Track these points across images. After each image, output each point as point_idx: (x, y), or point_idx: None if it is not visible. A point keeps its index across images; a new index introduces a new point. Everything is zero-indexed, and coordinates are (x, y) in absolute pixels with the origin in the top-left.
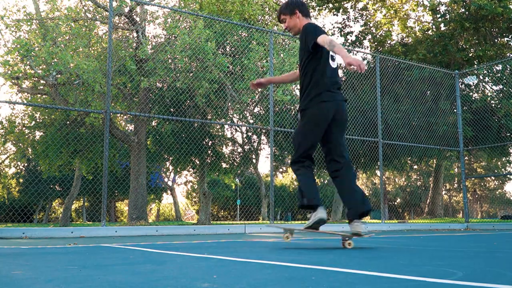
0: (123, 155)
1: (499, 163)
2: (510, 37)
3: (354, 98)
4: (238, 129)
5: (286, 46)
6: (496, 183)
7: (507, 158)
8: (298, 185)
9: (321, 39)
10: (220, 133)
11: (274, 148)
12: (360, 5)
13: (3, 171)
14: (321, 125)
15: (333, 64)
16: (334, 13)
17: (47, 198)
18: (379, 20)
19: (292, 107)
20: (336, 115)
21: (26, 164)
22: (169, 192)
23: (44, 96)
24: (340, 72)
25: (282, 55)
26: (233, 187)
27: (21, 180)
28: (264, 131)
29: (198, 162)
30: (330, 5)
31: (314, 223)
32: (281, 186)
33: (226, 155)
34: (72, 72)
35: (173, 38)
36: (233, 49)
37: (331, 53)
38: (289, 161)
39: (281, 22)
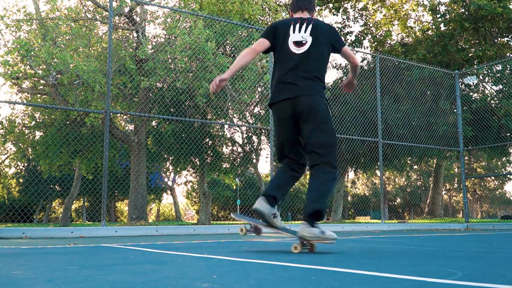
0: (123, 155)
1: (499, 163)
2: (510, 37)
3: (354, 98)
4: (238, 129)
5: None
6: (496, 183)
7: (507, 158)
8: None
9: None
10: (220, 133)
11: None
12: (360, 5)
13: (3, 171)
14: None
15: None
16: (334, 13)
17: (47, 198)
18: (379, 20)
19: None
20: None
21: (26, 164)
22: (169, 192)
23: (44, 96)
24: (340, 72)
25: None
26: (233, 187)
27: (21, 180)
28: (264, 131)
29: (198, 162)
30: (330, 5)
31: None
32: None
33: (226, 155)
34: (72, 72)
35: (173, 38)
36: (233, 49)
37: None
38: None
39: None
